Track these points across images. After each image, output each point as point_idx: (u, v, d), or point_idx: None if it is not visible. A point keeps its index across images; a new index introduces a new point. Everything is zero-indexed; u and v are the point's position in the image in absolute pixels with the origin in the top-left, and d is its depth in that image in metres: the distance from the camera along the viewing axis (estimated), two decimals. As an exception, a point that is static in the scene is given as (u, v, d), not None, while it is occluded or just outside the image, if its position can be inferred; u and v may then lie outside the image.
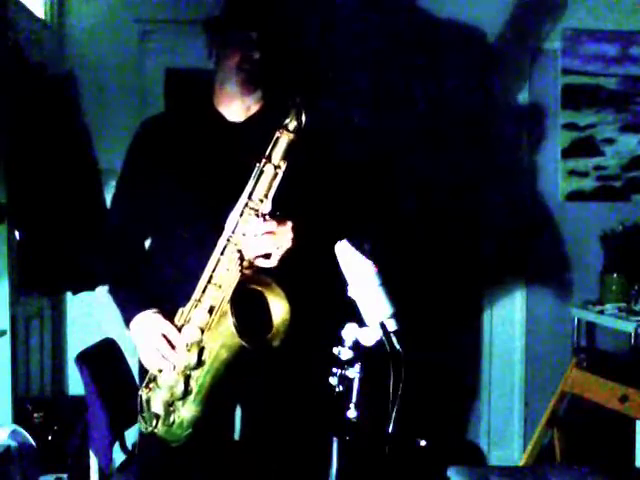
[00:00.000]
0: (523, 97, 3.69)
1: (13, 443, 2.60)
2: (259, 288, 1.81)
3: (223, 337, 1.76)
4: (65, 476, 2.87)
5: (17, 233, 2.91)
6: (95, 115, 3.37)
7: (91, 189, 3.26)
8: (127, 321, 1.91)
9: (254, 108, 1.97)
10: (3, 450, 2.54)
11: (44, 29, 3.33)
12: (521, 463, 3.12)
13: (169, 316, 1.85)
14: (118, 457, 2.52)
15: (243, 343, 1.72)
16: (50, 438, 2.91)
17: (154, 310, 1.87)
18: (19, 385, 2.96)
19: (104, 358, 2.58)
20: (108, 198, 3.10)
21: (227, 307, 1.75)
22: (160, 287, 1.93)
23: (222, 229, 1.80)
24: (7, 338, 2.78)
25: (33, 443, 2.69)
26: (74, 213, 3.11)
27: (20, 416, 2.84)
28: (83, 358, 2.45)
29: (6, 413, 2.77)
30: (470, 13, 3.58)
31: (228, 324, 1.73)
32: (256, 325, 1.78)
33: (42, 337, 3.29)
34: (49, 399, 3.23)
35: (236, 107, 1.96)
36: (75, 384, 3.26)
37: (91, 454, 2.57)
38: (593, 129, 3.72)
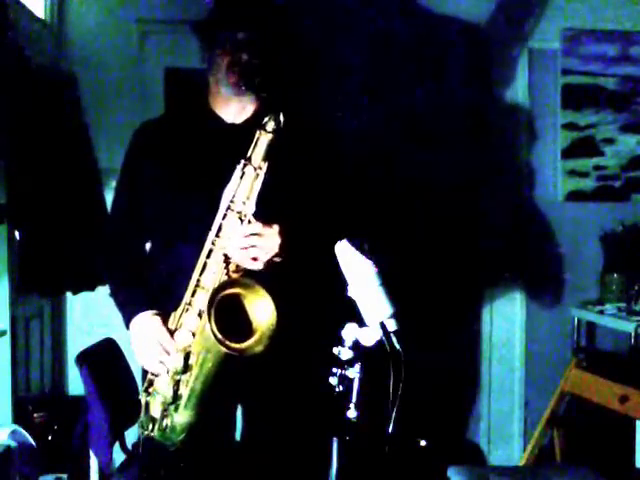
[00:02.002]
0: (523, 97, 3.69)
1: (13, 443, 2.60)
2: (238, 291, 1.75)
3: (208, 342, 1.73)
4: (65, 476, 2.87)
5: (17, 233, 2.91)
6: (95, 115, 3.36)
7: (91, 189, 3.26)
8: (127, 322, 1.91)
9: (250, 109, 1.96)
10: (3, 450, 2.54)
11: (44, 29, 3.32)
12: (521, 463, 3.12)
13: (168, 316, 1.86)
14: (118, 457, 2.51)
15: (223, 349, 1.69)
16: (50, 438, 2.91)
17: (153, 312, 1.88)
18: (19, 385, 2.95)
19: (104, 358, 2.57)
20: (108, 198, 3.10)
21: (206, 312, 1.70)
22: (160, 288, 1.93)
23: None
24: (7, 338, 2.78)
25: (33, 443, 2.69)
26: (74, 213, 3.11)
27: (20, 416, 2.84)
28: (83, 358, 2.45)
29: (6, 413, 2.77)
30: (468, 11, 3.57)
31: (208, 329, 1.69)
32: (246, 329, 1.75)
33: (42, 337, 3.29)
34: (49, 399, 3.23)
35: (232, 109, 1.95)
36: (75, 384, 3.26)
37: (91, 454, 2.57)
38: (593, 129, 3.72)
